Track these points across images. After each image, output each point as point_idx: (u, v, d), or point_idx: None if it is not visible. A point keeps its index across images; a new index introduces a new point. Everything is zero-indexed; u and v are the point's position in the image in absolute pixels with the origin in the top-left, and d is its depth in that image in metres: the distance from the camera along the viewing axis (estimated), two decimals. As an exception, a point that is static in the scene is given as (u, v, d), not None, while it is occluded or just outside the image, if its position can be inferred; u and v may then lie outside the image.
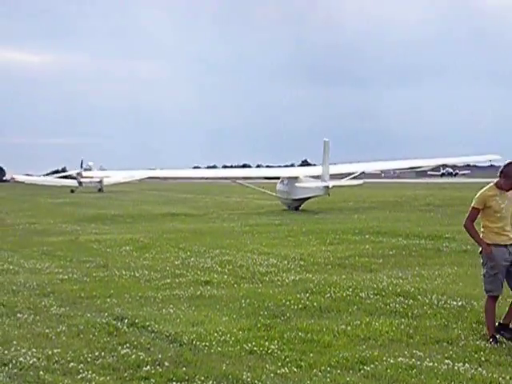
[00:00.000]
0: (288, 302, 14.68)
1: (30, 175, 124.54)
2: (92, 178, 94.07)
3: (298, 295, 15.47)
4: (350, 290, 15.93)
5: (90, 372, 10.20)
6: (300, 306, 14.41)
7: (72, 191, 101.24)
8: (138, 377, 10.06)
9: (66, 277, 19.01)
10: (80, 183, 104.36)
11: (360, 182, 54.45)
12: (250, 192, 65.71)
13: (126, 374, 10.17)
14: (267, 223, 35.88)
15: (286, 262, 20.83)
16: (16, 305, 15.21)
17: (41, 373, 10.21)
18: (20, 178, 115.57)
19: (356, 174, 54.35)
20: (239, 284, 17.36)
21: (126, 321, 13.39)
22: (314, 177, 50.49)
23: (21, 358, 10.87)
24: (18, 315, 14.07)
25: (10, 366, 10.61)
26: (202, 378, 9.87)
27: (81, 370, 10.30)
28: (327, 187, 46.53)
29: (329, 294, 15.46)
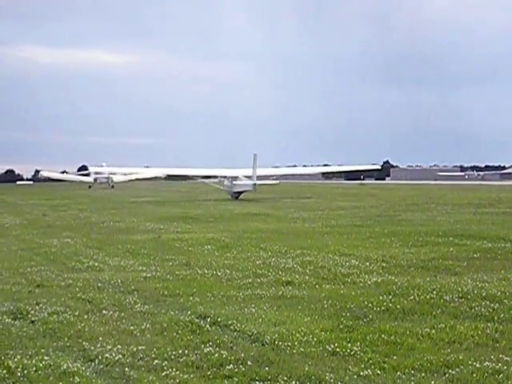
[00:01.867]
0: (370, 304, 14.59)
1: (54, 171, 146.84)
2: (103, 175, 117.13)
3: (381, 297, 15.35)
4: (434, 292, 15.74)
5: (173, 369, 10.31)
6: (383, 308, 14.30)
7: (89, 187, 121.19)
8: (221, 375, 10.12)
9: (150, 275, 19.25)
10: (95, 180, 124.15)
11: (276, 182, 76.87)
12: (331, 193, 65.46)
13: (209, 373, 10.24)
14: (348, 224, 35.70)
15: (367, 264, 20.69)
16: (101, 302, 15.46)
17: (126, 369, 10.36)
18: (46, 173, 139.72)
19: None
20: (321, 285, 17.32)
21: (209, 319, 13.49)
22: (247, 177, 71.48)
23: (106, 354, 11.06)
24: (104, 312, 14.31)
25: (97, 361, 10.80)
26: (285, 378, 9.87)
27: (165, 368, 10.42)
28: (255, 185, 69.38)
29: (412, 297, 15.31)
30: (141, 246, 26.37)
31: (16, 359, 10.80)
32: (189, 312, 14.20)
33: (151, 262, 22.09)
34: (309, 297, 15.69)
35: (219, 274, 19.22)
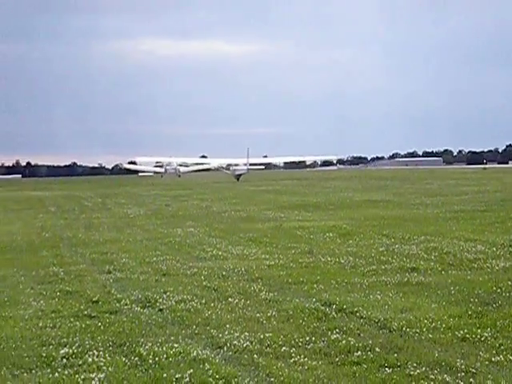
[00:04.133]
0: (499, 290, 14.28)
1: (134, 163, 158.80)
2: (172, 166, 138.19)
3: (510, 282, 15.00)
4: None
5: (301, 356, 10.33)
6: (512, 293, 13.97)
7: (161, 176, 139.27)
8: (349, 362, 10.08)
9: (273, 263, 19.34)
10: (165, 170, 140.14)
11: (262, 167, 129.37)
12: (452, 177, 64.32)
13: (337, 359, 10.22)
14: (472, 210, 35.01)
15: (494, 249, 20.25)
16: (227, 290, 15.62)
17: (255, 356, 10.44)
18: (126, 166, 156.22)
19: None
20: (447, 271, 17.04)
21: (334, 306, 13.45)
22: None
23: (235, 342, 11.16)
24: (229, 300, 14.46)
25: (225, 348, 10.91)
26: (414, 365, 9.76)
27: (293, 354, 10.45)
28: (248, 170, 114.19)
29: (542, 282, 14.89)
30: (263, 235, 26.54)
31: (147, 346, 11.03)
32: (314, 299, 14.20)
33: (274, 250, 22.19)
34: (435, 283, 15.46)
35: (342, 261, 19.15)
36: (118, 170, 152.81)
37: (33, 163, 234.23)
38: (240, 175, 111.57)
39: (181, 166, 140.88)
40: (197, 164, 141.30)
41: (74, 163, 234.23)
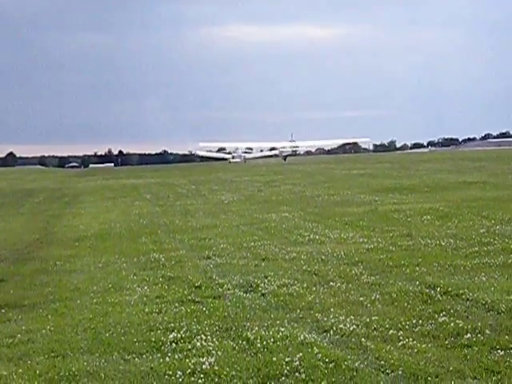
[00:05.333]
0: None
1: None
2: (238, 152, 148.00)
3: None
4: None
5: (410, 339, 10.24)
6: None
7: (229, 162, 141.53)
8: (459, 344, 9.95)
9: (372, 246, 19.22)
10: (233, 157, 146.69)
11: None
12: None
13: (446, 342, 10.10)
14: None
15: None
16: (327, 274, 15.59)
17: (362, 339, 10.39)
18: (198, 152, 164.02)
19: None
20: (552, 251, 16.66)
21: (439, 289, 13.29)
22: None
23: (341, 325, 11.13)
24: (331, 283, 14.42)
25: (331, 332, 10.90)
26: (527, 347, 9.57)
27: (401, 338, 10.37)
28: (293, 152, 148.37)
29: None
30: (358, 218, 26.37)
31: (254, 331, 11.08)
32: (417, 282, 14.05)
33: (371, 233, 22.04)
34: (541, 264, 15.14)
35: (443, 243, 18.90)
36: (207, 158, 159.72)
37: (125, 152, 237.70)
38: (286, 157, 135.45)
39: (246, 152, 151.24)
40: (248, 149, 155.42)
41: (165, 151, 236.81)
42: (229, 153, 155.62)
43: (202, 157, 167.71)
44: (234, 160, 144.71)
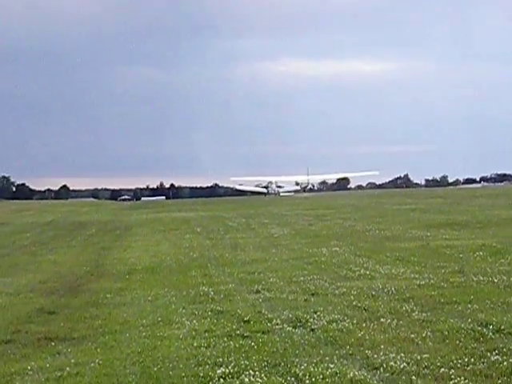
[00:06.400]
0: None
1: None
2: (272, 186, 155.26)
3: None
4: None
5: (461, 378, 10.07)
6: None
7: (265, 195, 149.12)
8: (512, 384, 9.75)
9: (423, 282, 18.99)
10: (268, 191, 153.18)
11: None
12: None
13: (499, 381, 9.93)
14: None
15: None
16: (377, 310, 15.43)
17: (413, 378, 10.24)
18: (236, 186, 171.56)
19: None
20: None
21: (491, 327, 13.08)
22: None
23: (391, 363, 10.98)
24: (381, 320, 14.26)
25: (382, 369, 10.75)
26: None
27: (452, 376, 10.20)
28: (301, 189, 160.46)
29: None
30: (410, 254, 26.10)
31: (302, 367, 10.97)
32: (469, 319, 13.84)
33: (422, 269, 21.79)
34: None
35: (495, 280, 18.62)
36: (243, 191, 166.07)
37: (176, 185, 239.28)
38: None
39: (278, 186, 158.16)
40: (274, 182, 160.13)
41: (216, 184, 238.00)
42: (265, 187, 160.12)
43: (238, 190, 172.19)
44: (268, 194, 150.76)
